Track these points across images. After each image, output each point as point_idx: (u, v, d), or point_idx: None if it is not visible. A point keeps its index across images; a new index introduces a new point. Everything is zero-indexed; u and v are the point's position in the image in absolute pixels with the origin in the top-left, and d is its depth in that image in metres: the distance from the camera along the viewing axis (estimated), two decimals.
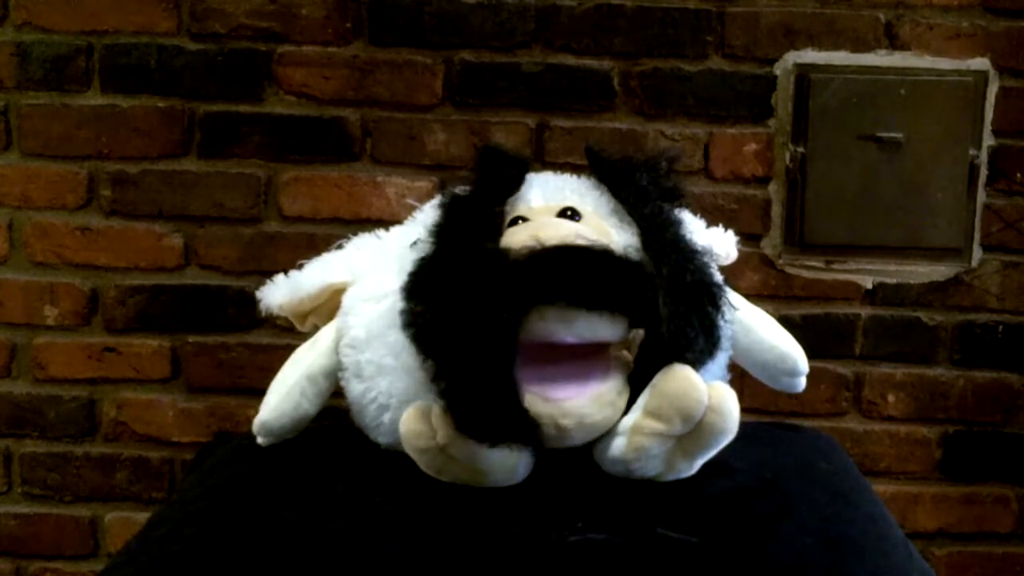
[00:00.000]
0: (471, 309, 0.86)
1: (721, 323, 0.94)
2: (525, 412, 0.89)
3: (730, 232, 1.17)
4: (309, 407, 1.04)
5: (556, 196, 1.03)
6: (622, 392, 0.93)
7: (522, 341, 0.88)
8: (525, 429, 0.90)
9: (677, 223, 0.99)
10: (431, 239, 0.94)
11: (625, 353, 0.93)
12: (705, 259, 0.96)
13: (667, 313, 0.89)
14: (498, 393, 0.87)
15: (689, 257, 0.95)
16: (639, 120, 1.49)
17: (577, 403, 0.91)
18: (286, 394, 1.04)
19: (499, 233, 0.94)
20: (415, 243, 1.00)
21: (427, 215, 1.04)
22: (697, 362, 0.92)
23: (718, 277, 0.98)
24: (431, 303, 0.89)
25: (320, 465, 1.02)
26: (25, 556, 1.57)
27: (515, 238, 0.93)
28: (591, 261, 0.88)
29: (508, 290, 0.86)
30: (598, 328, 0.91)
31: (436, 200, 1.02)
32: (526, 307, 0.87)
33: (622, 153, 1.06)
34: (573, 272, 0.87)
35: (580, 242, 0.90)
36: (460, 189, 1.01)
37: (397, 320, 0.94)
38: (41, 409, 1.54)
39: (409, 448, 0.93)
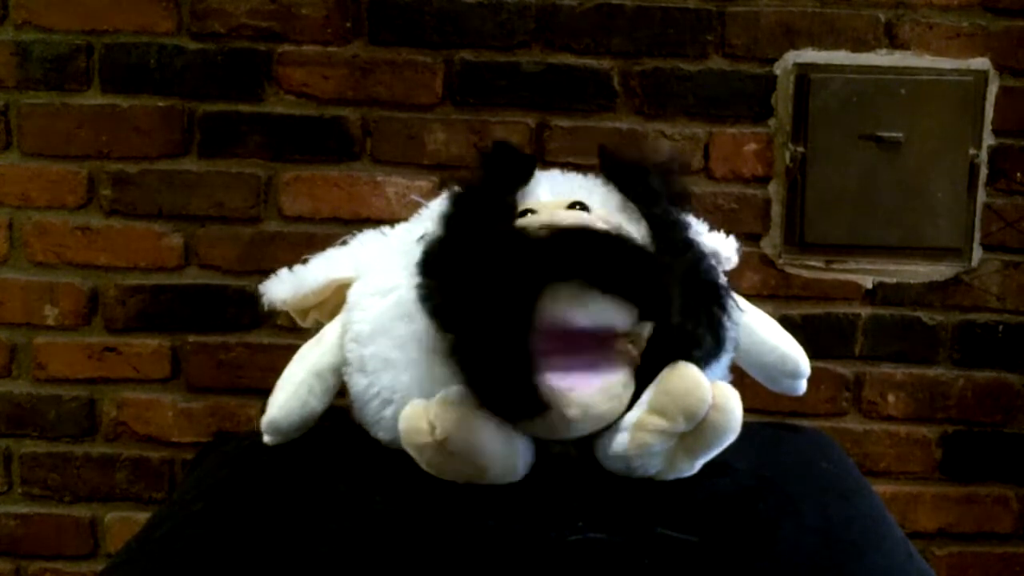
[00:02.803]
0: (490, 283, 0.87)
1: (728, 325, 0.94)
2: (538, 387, 0.89)
3: (731, 238, 1.17)
4: (317, 404, 1.04)
5: (565, 191, 1.04)
6: (627, 385, 0.93)
7: (536, 322, 0.88)
8: (541, 403, 0.90)
9: (686, 226, 1.00)
10: (442, 226, 0.94)
11: (631, 348, 0.93)
12: (712, 262, 0.97)
13: (680, 306, 0.90)
14: (515, 367, 0.88)
15: (699, 257, 0.95)
16: (639, 120, 1.49)
17: (583, 394, 0.91)
18: (294, 391, 1.03)
19: (512, 220, 0.95)
20: (422, 238, 1.00)
21: (433, 212, 1.04)
22: (703, 361, 0.92)
23: (724, 280, 0.99)
24: (449, 278, 0.89)
25: (321, 465, 1.02)
26: (25, 556, 1.57)
27: (530, 222, 0.93)
28: (608, 244, 0.89)
29: (526, 265, 0.87)
30: (611, 314, 0.91)
31: (444, 195, 1.02)
32: (542, 283, 0.88)
33: (633, 155, 1.07)
34: (590, 252, 0.88)
35: (599, 225, 0.90)
36: (469, 181, 1.01)
37: (404, 314, 0.94)
38: (41, 409, 1.54)
39: (408, 445, 0.93)
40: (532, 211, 0.99)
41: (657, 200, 1.00)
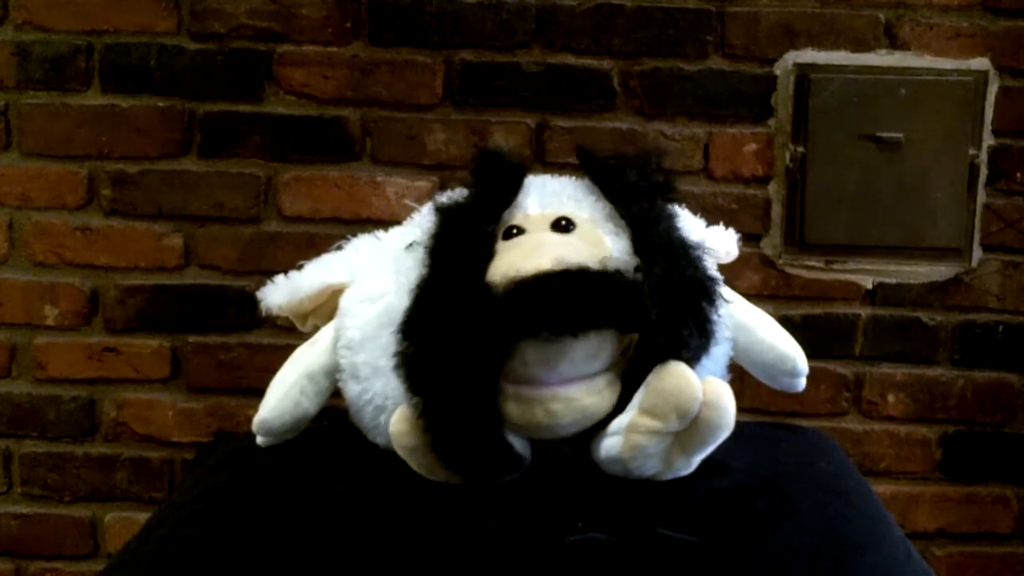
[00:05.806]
0: (454, 348, 0.88)
1: (715, 317, 0.94)
2: (509, 448, 0.91)
3: (731, 230, 1.17)
4: (309, 406, 1.05)
5: (553, 203, 1.03)
6: (612, 383, 0.93)
7: (505, 381, 0.90)
8: (508, 465, 0.93)
9: (668, 218, 0.99)
10: (426, 261, 0.95)
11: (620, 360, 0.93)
12: (698, 253, 0.96)
13: (657, 316, 0.89)
14: (480, 432, 0.90)
15: (681, 253, 0.94)
16: (639, 120, 1.49)
17: (566, 388, 0.92)
18: (285, 393, 1.04)
19: (491, 255, 0.95)
20: (411, 245, 1.00)
21: (425, 216, 1.04)
22: (693, 359, 0.92)
23: (712, 270, 0.98)
24: (418, 343, 0.90)
25: (320, 465, 1.02)
26: (25, 556, 1.57)
27: (500, 265, 0.93)
28: (567, 288, 0.88)
29: (489, 329, 0.87)
30: (581, 367, 0.91)
31: (433, 203, 1.02)
32: (509, 344, 0.88)
33: (612, 152, 1.06)
34: (550, 304, 0.87)
35: (557, 268, 0.89)
36: (457, 197, 1.01)
37: (391, 321, 0.94)
38: (41, 409, 1.54)
39: (398, 447, 0.94)
40: (518, 227, 0.99)
41: (637, 195, 0.99)
